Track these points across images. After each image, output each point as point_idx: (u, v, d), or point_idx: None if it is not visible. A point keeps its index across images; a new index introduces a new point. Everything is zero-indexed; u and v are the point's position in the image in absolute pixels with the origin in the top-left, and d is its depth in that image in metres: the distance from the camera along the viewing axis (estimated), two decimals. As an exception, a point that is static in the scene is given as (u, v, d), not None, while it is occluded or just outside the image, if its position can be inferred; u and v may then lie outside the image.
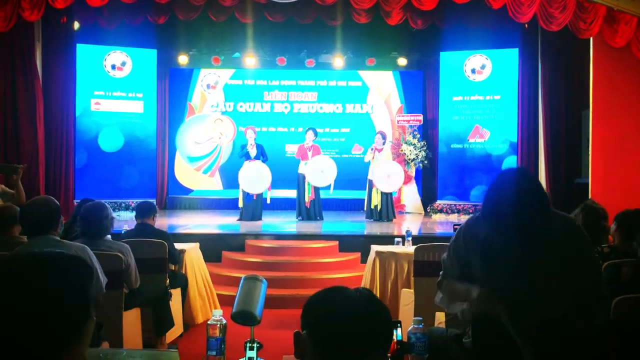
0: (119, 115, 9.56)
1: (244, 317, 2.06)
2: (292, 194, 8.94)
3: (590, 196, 6.81)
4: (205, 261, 5.43)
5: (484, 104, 9.61)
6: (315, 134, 8.54)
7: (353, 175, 9.74)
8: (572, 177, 8.41)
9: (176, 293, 4.52)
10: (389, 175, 8.21)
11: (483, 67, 9.64)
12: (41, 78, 8.29)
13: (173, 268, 4.68)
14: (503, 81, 9.48)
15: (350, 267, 6.39)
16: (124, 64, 9.61)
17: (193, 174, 10.56)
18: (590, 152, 7.21)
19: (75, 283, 1.03)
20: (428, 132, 10.33)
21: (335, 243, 6.66)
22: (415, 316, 2.18)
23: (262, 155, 8.27)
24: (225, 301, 5.16)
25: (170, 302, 4.19)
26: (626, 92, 7.07)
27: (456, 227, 2.81)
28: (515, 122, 9.26)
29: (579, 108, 8.28)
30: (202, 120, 10.62)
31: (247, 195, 8.20)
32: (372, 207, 8.28)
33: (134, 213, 4.95)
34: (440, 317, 3.55)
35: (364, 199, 8.72)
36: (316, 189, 8.38)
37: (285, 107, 10.72)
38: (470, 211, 9.16)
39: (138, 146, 9.67)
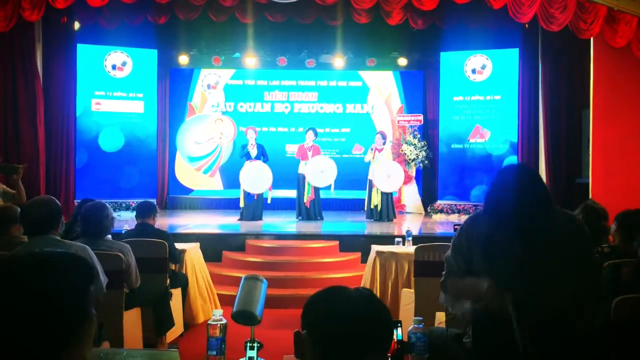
0: (120, 115, 9.56)
1: (244, 317, 2.06)
2: (292, 194, 8.94)
3: (590, 196, 6.80)
4: (206, 261, 5.43)
5: (485, 104, 9.61)
6: (316, 134, 8.54)
7: (353, 175, 9.74)
8: (573, 177, 8.41)
9: (176, 293, 4.52)
10: (389, 175, 8.21)
11: (483, 67, 9.63)
12: (41, 78, 8.30)
13: (173, 268, 4.69)
14: (503, 81, 9.48)
15: (350, 267, 6.39)
16: (124, 64, 9.62)
17: (193, 174, 10.56)
18: (590, 152, 7.21)
19: (75, 283, 1.02)
20: (428, 132, 10.33)
21: (336, 243, 6.66)
22: (415, 316, 2.18)
23: (262, 155, 8.27)
24: (225, 301, 5.16)
25: (171, 302, 4.19)
26: (627, 92, 7.07)
27: (456, 227, 2.81)
28: (515, 122, 9.26)
29: (580, 108, 8.27)
30: (203, 120, 10.62)
31: (247, 195, 8.21)
32: (372, 207, 8.29)
33: (134, 213, 4.96)
34: (440, 317, 3.55)
35: (364, 199, 8.72)
36: (316, 189, 8.38)
37: (286, 107, 10.73)
38: (471, 211, 9.15)
39: (138, 146, 9.67)
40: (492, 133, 9.51)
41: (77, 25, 9.02)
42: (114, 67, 9.56)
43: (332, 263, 6.39)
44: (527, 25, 8.51)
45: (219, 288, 5.51)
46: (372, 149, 8.32)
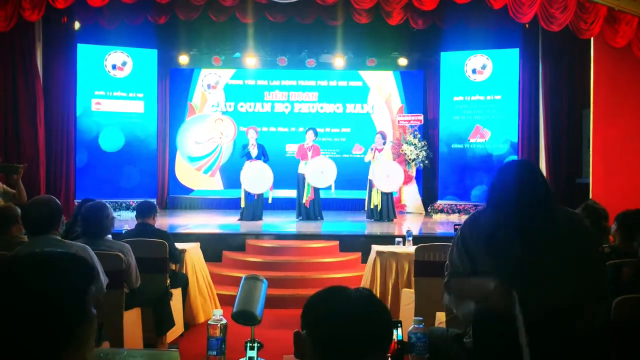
0: (120, 115, 9.56)
1: (244, 317, 2.06)
2: (292, 194, 8.94)
3: (590, 196, 6.80)
4: (206, 261, 5.43)
5: (485, 104, 9.61)
6: (316, 134, 8.54)
7: (354, 175, 9.73)
8: (573, 177, 8.41)
9: (177, 293, 4.52)
10: (388, 175, 8.21)
11: (484, 67, 9.63)
12: (42, 78, 8.30)
13: (174, 268, 4.69)
14: (504, 81, 9.48)
15: (350, 267, 6.39)
16: (124, 63, 9.61)
17: (193, 174, 10.56)
18: (591, 152, 7.21)
19: (75, 283, 1.02)
20: (429, 132, 10.33)
21: (336, 243, 6.66)
22: (415, 316, 2.17)
23: (263, 155, 8.27)
24: (225, 301, 5.16)
25: (171, 302, 4.19)
26: (627, 92, 7.07)
27: (457, 227, 2.80)
28: (516, 122, 9.26)
29: (580, 108, 8.27)
30: (203, 120, 10.62)
31: (248, 195, 8.21)
32: (372, 207, 8.29)
33: (134, 213, 4.96)
34: (440, 317, 3.55)
35: (364, 199, 8.72)
36: (316, 189, 8.38)
37: (286, 107, 10.73)
38: (471, 211, 9.14)
39: (139, 146, 9.67)
40: (492, 133, 9.51)
41: (77, 25, 9.02)
42: (114, 67, 9.56)
43: (332, 263, 6.39)
44: (527, 25, 8.51)
45: (219, 288, 5.51)
46: (372, 149, 8.33)
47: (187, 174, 10.55)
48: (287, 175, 9.01)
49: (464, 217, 8.93)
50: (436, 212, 9.59)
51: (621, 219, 3.21)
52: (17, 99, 7.98)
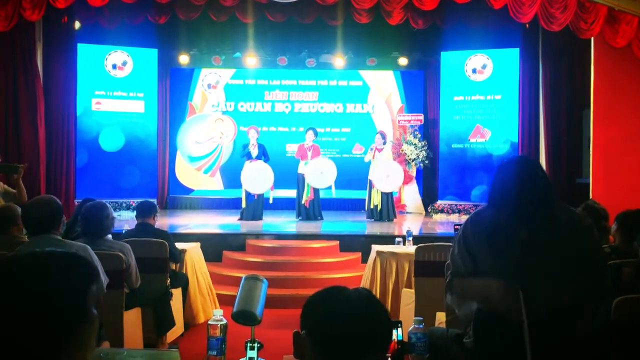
0: (120, 115, 9.56)
1: (244, 317, 2.06)
2: (292, 193, 8.93)
3: (591, 196, 6.80)
4: (206, 261, 5.43)
5: (485, 103, 9.61)
6: (315, 133, 8.54)
7: (354, 175, 9.73)
8: (573, 177, 8.40)
9: (177, 293, 4.52)
10: (388, 175, 8.21)
11: (484, 66, 9.63)
12: (42, 78, 8.30)
13: (174, 268, 4.69)
14: (504, 81, 9.47)
15: (350, 267, 6.39)
16: (124, 63, 9.61)
17: (194, 174, 10.56)
18: (591, 152, 7.20)
19: (76, 283, 1.02)
20: (429, 132, 10.33)
21: (336, 243, 6.66)
22: (415, 316, 2.17)
23: (263, 155, 8.27)
24: (225, 301, 5.16)
25: (171, 302, 4.19)
26: (627, 92, 7.06)
27: (457, 227, 2.80)
28: (516, 122, 9.25)
29: (580, 108, 8.26)
30: (203, 120, 10.62)
31: (248, 195, 8.21)
32: (373, 207, 8.29)
33: (134, 213, 4.96)
34: (440, 317, 3.55)
35: (364, 199, 8.72)
36: (315, 189, 8.38)
37: (286, 107, 10.72)
38: (471, 211, 9.14)
39: (139, 146, 9.67)
40: (492, 133, 9.51)
41: (77, 24, 9.02)
42: (114, 66, 9.56)
43: (332, 263, 6.39)
44: (527, 25, 8.51)
45: (219, 288, 5.51)
46: (372, 149, 8.33)
47: (188, 173, 10.55)
48: (287, 175, 9.01)
49: (464, 217, 8.93)
50: (436, 212, 9.59)
51: (621, 219, 3.21)
52: (17, 99, 7.98)
